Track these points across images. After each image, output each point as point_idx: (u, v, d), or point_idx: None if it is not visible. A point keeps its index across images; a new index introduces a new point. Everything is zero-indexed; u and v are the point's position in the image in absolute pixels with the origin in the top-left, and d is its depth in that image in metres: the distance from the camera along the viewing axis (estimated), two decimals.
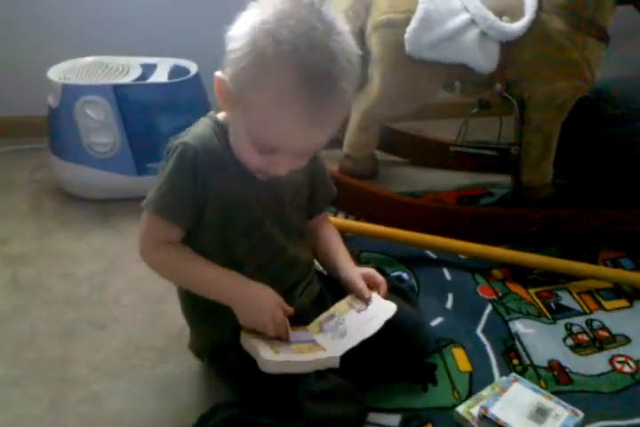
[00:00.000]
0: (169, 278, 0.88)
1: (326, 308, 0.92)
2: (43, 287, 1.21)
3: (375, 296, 0.92)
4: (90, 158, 1.47)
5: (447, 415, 0.90)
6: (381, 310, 0.89)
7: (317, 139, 0.76)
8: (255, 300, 0.83)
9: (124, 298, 1.18)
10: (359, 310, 0.91)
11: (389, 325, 0.88)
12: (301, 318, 0.89)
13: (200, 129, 0.83)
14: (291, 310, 0.84)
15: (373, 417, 0.89)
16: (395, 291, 0.98)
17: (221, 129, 0.83)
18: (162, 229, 0.82)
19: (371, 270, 0.96)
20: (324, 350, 0.84)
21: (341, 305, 0.92)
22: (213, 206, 0.83)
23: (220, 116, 0.85)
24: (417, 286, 1.19)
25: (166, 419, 0.90)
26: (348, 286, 0.94)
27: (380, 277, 0.95)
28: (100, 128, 1.44)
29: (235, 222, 0.84)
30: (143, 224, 0.84)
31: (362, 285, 0.92)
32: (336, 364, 0.82)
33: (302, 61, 0.68)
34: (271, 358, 0.79)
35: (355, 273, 0.94)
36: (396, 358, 0.93)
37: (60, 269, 1.25)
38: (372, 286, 0.93)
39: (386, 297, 0.92)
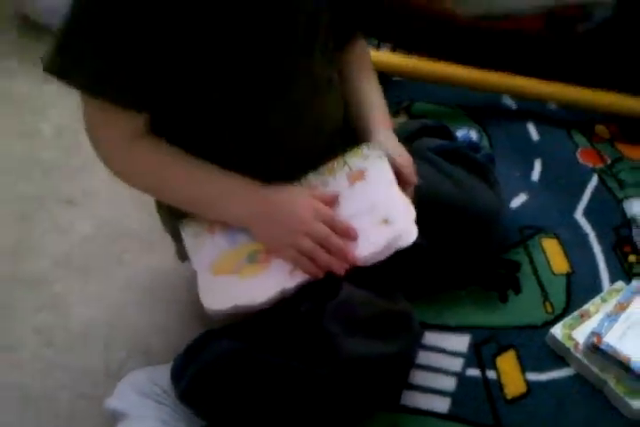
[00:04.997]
0: (147, 192, 0.62)
1: None
2: None
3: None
4: None
5: (536, 339, 0.70)
6: (388, 204, 0.60)
7: None
8: (279, 210, 0.58)
9: (100, 165, 0.92)
10: (354, 177, 0.62)
11: (454, 212, 0.68)
12: None
13: None
14: (341, 221, 0.57)
15: (432, 339, 0.70)
16: (465, 163, 0.74)
17: None
18: (106, 118, 0.54)
19: (405, 158, 0.64)
20: None
21: (337, 162, 0.64)
22: (181, 60, 0.53)
23: None
24: (490, 148, 0.95)
25: (150, 337, 0.72)
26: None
27: (411, 174, 0.63)
28: None
29: (220, 79, 0.55)
30: (85, 112, 0.55)
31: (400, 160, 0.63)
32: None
33: None
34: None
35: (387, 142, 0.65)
36: (464, 257, 0.71)
37: (18, 122, 1.03)
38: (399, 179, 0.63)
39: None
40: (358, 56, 0.70)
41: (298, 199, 0.58)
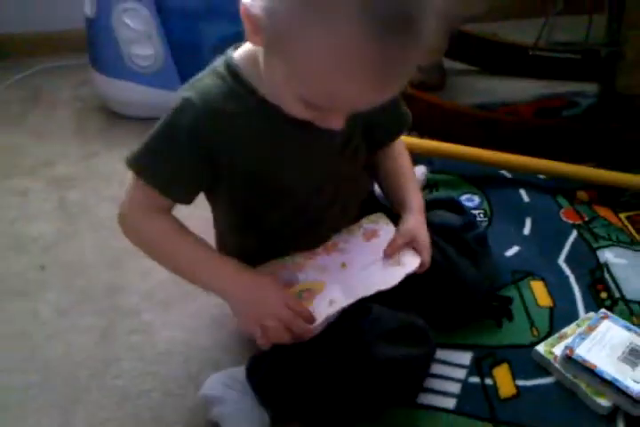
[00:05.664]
0: (149, 254, 0.72)
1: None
2: (90, 212, 1.17)
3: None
4: (132, 73, 1.39)
5: (525, 354, 0.83)
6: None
7: (387, 96, 0.57)
8: (254, 298, 0.70)
9: None
10: (369, 236, 0.78)
11: (441, 281, 0.81)
12: None
13: (207, 80, 0.65)
14: (304, 309, 0.69)
15: (442, 354, 0.82)
16: (457, 243, 0.85)
17: (233, 74, 0.65)
18: (148, 196, 0.67)
19: (426, 244, 0.77)
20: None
21: (354, 226, 0.79)
22: (225, 182, 0.69)
23: (238, 53, 0.66)
24: (490, 209, 1.10)
25: (219, 353, 0.86)
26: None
27: (427, 257, 0.77)
28: (140, 39, 1.34)
29: (259, 195, 0.71)
30: (129, 186, 0.68)
31: (399, 239, 0.76)
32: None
33: (368, 3, 0.48)
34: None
35: (407, 226, 0.78)
36: (451, 308, 0.86)
37: (107, 192, 1.21)
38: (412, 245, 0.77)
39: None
40: (395, 149, 0.83)
41: (271, 289, 0.69)
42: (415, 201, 0.80)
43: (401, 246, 0.75)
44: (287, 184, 0.70)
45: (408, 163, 0.84)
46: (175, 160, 0.65)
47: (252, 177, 0.68)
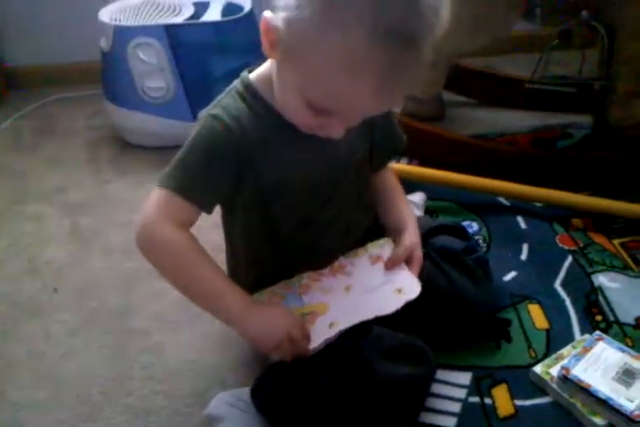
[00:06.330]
0: (164, 271, 0.73)
1: None
2: (102, 236, 1.21)
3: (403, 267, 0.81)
4: (144, 104, 1.44)
5: (522, 375, 0.85)
6: (400, 280, 0.80)
7: (387, 105, 0.66)
8: (265, 322, 0.73)
9: None
10: (374, 260, 0.81)
11: (444, 302, 0.85)
12: None
13: (229, 100, 0.72)
14: (305, 329, 0.74)
15: (443, 375, 0.85)
16: (458, 265, 0.89)
17: (253, 94, 0.72)
18: (177, 208, 0.70)
19: (417, 256, 0.83)
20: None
21: (361, 250, 0.84)
22: (245, 192, 0.74)
23: (253, 75, 0.74)
24: (488, 236, 1.13)
25: (227, 372, 0.89)
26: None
27: (417, 254, 0.83)
28: (153, 72, 1.40)
29: (274, 205, 0.75)
30: (155, 201, 0.71)
31: (400, 251, 0.82)
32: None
33: (379, 16, 0.55)
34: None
35: (407, 242, 0.83)
36: (451, 330, 0.89)
37: (118, 217, 1.25)
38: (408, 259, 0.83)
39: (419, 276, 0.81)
40: (387, 176, 0.89)
41: (279, 314, 0.74)
42: (411, 220, 0.85)
43: (402, 260, 0.80)
44: (296, 197, 0.75)
45: (398, 184, 0.90)
46: (205, 172, 0.70)
47: (268, 188, 0.73)
